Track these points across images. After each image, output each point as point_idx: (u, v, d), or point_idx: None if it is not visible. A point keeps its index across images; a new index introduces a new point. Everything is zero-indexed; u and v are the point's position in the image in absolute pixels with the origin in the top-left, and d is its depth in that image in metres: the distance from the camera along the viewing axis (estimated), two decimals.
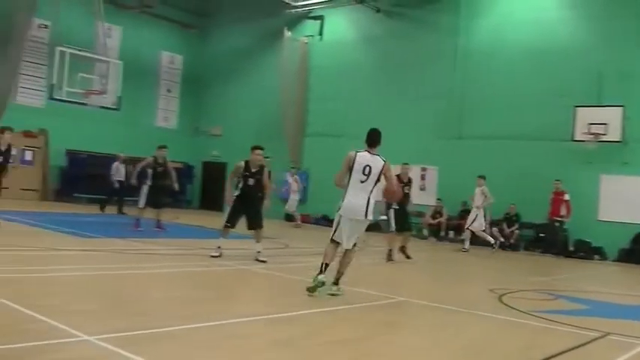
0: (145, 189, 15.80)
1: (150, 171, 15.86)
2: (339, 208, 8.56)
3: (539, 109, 20.85)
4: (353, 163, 8.43)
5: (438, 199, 22.38)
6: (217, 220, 17.58)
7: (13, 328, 5.54)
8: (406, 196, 14.25)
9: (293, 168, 24.38)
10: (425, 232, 22.27)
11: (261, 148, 11.93)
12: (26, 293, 7.12)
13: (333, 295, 8.42)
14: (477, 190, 18.61)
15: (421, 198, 21.61)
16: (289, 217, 24.19)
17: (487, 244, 18.39)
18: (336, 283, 8.58)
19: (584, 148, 19.62)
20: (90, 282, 8.67)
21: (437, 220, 22.13)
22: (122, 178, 21.61)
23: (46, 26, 25.91)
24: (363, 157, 8.46)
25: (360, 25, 26.47)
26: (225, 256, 11.60)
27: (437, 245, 20.46)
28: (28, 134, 24.93)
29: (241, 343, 5.79)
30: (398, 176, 14.25)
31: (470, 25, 23.13)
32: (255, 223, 11.98)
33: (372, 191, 8.42)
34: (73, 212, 20.57)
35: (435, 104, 23.33)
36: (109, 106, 20.78)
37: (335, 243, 8.63)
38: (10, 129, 13.58)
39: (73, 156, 26.34)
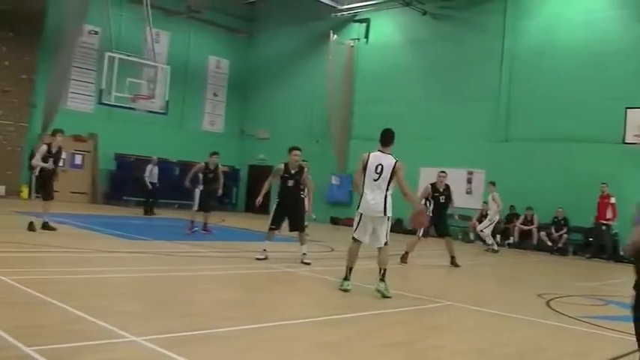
0: (197, 193, 15.97)
1: (201, 176, 16.05)
2: (358, 207, 8.78)
3: (589, 111, 20.46)
4: (366, 162, 8.74)
5: (485, 203, 22.06)
6: (263, 222, 17.64)
7: (61, 327, 5.60)
8: (442, 206, 14.11)
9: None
10: (471, 235, 21.99)
11: (299, 149, 11.97)
12: (75, 294, 7.21)
13: (379, 291, 8.59)
14: (489, 198, 18.53)
15: (467, 201, 21.40)
16: (334, 220, 24.11)
17: (527, 247, 18.12)
18: (382, 279, 8.69)
19: (636, 150, 19.18)
20: (137, 283, 8.75)
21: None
22: (155, 180, 21.93)
23: (96, 32, 26.39)
24: (376, 157, 8.75)
25: (405, 27, 26.34)
26: (271, 259, 11.62)
27: (483, 249, 20.20)
28: (77, 138, 25.40)
29: (287, 345, 5.77)
30: (433, 185, 14.11)
31: (517, 27, 22.82)
32: (296, 226, 12.02)
33: (387, 189, 8.63)
34: (121, 215, 20.85)
35: (481, 106, 23.08)
36: (156, 111, 21.01)
37: (357, 242, 8.90)
38: (61, 132, 13.79)
39: (121, 160, 26.73)
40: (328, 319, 7.13)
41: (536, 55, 22.11)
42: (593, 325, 7.88)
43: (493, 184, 18.86)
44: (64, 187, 19.49)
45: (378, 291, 8.61)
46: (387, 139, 8.91)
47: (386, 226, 8.76)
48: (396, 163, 8.67)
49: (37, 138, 23.51)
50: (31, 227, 12.83)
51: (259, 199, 11.89)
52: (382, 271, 8.71)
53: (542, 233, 20.27)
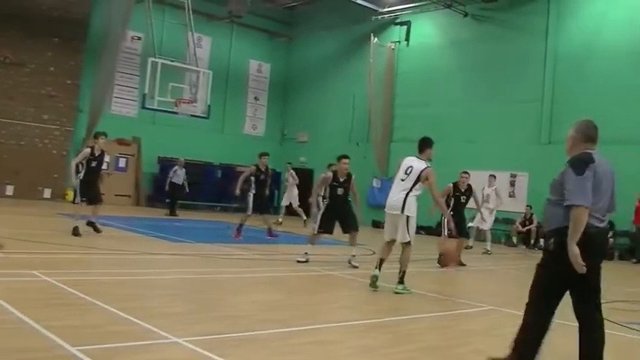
0: (250, 197, 15.86)
1: (252, 179, 15.96)
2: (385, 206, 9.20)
3: (636, 113, 20.07)
4: (400, 165, 9.22)
5: (528, 206, 21.79)
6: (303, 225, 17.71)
7: (105, 328, 5.70)
8: (462, 206, 14.11)
9: (289, 164, 23.60)
10: (514, 239, 21.75)
11: (348, 157, 12.11)
12: (119, 295, 7.31)
13: (398, 293, 8.83)
14: (490, 191, 18.21)
15: (510, 205, 21.17)
16: (375, 224, 23.99)
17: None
18: (400, 281, 8.96)
19: None
20: (179, 285, 8.84)
21: (526, 228, 21.56)
22: (180, 182, 22.26)
23: (139, 38, 26.78)
24: (409, 160, 9.15)
25: (447, 29, 26.19)
26: (312, 262, 11.64)
27: (526, 253, 19.96)
28: (121, 142, 25.79)
29: (327, 348, 5.77)
30: (455, 184, 14.02)
31: (560, 27, 22.50)
32: (350, 226, 12.05)
33: (410, 189, 8.90)
34: (164, 217, 21.06)
35: (524, 108, 22.82)
36: (198, 115, 21.16)
37: (386, 242, 9.27)
38: (104, 134, 13.84)
39: (164, 163, 27.03)
40: (368, 323, 7.12)
41: (581, 56, 21.76)
42: (637, 330, 7.73)
43: (494, 176, 18.64)
44: (108, 189, 19.80)
45: (397, 293, 8.87)
46: (421, 145, 9.24)
47: (404, 224, 8.92)
48: (425, 168, 8.91)
49: (82, 142, 23.95)
50: (75, 232, 12.80)
51: (314, 210, 12.15)
52: (400, 273, 9.00)
53: None
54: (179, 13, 23.13)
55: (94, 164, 13.41)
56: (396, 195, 8.98)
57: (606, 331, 5.48)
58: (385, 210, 9.20)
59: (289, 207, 22.68)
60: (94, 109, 23.89)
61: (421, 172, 8.88)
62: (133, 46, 26.84)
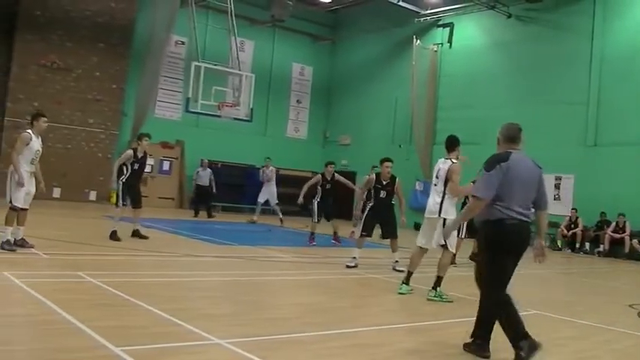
0: (315, 204, 15.93)
1: (319, 188, 16.04)
2: None
3: None
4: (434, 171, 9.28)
5: (574, 209, 21.41)
6: (345, 228, 17.67)
7: (149, 329, 5.76)
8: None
9: (268, 158, 22.66)
10: (559, 243, 21.39)
11: (391, 160, 12.03)
12: (162, 297, 7.38)
13: (430, 300, 8.66)
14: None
15: (555, 208, 20.82)
16: (418, 226, 23.81)
17: (618, 255, 17.53)
18: (434, 287, 8.80)
19: None
20: (222, 287, 8.89)
21: (571, 231, 21.19)
22: (202, 183, 22.49)
23: (182, 42, 27.07)
24: (438, 164, 9.25)
25: (490, 31, 25.91)
26: (359, 265, 11.58)
27: (571, 257, 19.64)
28: (165, 145, 26.07)
29: (367, 352, 5.75)
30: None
31: (607, 28, 22.06)
32: (389, 233, 12.00)
33: (444, 191, 8.90)
34: (208, 220, 21.22)
35: (570, 110, 22.45)
36: (241, 118, 21.27)
37: (420, 249, 9.14)
38: (148, 136, 13.73)
39: (208, 166, 27.20)
40: (410, 326, 7.08)
41: (627, 57, 21.29)
42: None
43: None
44: (152, 192, 20.04)
45: (430, 300, 8.68)
46: (447, 145, 9.32)
47: (441, 228, 8.78)
48: (451, 166, 8.92)
49: (127, 145, 24.26)
50: (113, 236, 12.58)
51: (357, 213, 12.09)
52: (436, 278, 8.82)
53: (635, 241, 19.51)
54: (222, 17, 23.38)
55: (136, 166, 13.30)
56: (433, 199, 9.02)
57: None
58: (424, 215, 9.22)
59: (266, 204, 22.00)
60: (138, 113, 24.20)
61: (447, 171, 8.90)
62: (177, 51, 27.14)
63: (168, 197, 26.42)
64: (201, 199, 22.90)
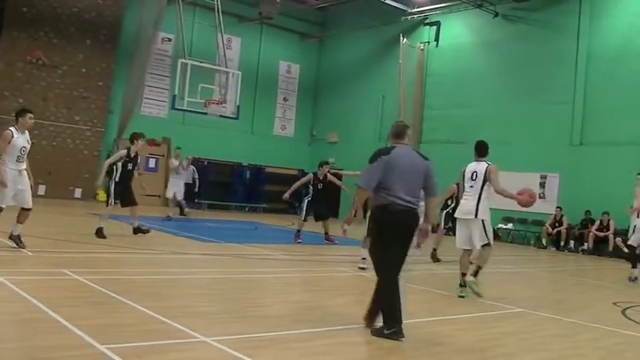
0: (305, 202, 15.90)
1: (311, 187, 16.02)
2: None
3: None
4: (464, 174, 9.36)
5: (558, 208, 21.52)
6: (335, 227, 17.65)
7: (135, 327, 5.73)
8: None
9: (178, 148, 21.79)
10: (544, 241, 21.49)
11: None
12: (149, 295, 7.36)
13: (469, 286, 9.09)
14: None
15: (541, 206, 20.86)
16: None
17: (602, 253, 17.60)
18: (473, 274, 9.20)
19: None
20: (210, 285, 8.87)
21: (556, 230, 21.29)
22: (186, 181, 21.58)
23: (169, 39, 26.98)
24: (470, 167, 9.34)
25: (477, 30, 25.97)
26: (344, 263, 11.60)
27: (556, 255, 19.75)
28: (151, 142, 25.94)
29: (357, 349, 5.79)
30: (458, 185, 13.89)
31: (593, 27, 22.17)
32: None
33: (481, 192, 9.08)
34: (194, 218, 21.13)
35: (556, 109, 22.53)
36: (228, 115, 21.21)
37: (464, 250, 9.30)
38: (142, 136, 13.73)
39: (194, 164, 27.11)
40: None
41: (613, 57, 21.43)
42: None
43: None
44: (138, 189, 19.76)
45: (469, 286, 9.07)
46: (477, 150, 9.40)
47: (480, 228, 9.05)
48: (488, 167, 9.11)
49: (113, 143, 24.19)
50: (99, 234, 12.47)
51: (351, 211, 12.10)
52: (476, 267, 9.22)
53: (619, 239, 19.61)
54: (209, 14, 23.32)
55: (129, 166, 13.33)
56: (469, 200, 9.17)
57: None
58: (457, 216, 9.44)
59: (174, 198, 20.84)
60: (125, 110, 24.11)
61: (485, 172, 9.06)
62: (164, 48, 27.05)
63: (154, 195, 26.30)
64: (185, 196, 22.69)
